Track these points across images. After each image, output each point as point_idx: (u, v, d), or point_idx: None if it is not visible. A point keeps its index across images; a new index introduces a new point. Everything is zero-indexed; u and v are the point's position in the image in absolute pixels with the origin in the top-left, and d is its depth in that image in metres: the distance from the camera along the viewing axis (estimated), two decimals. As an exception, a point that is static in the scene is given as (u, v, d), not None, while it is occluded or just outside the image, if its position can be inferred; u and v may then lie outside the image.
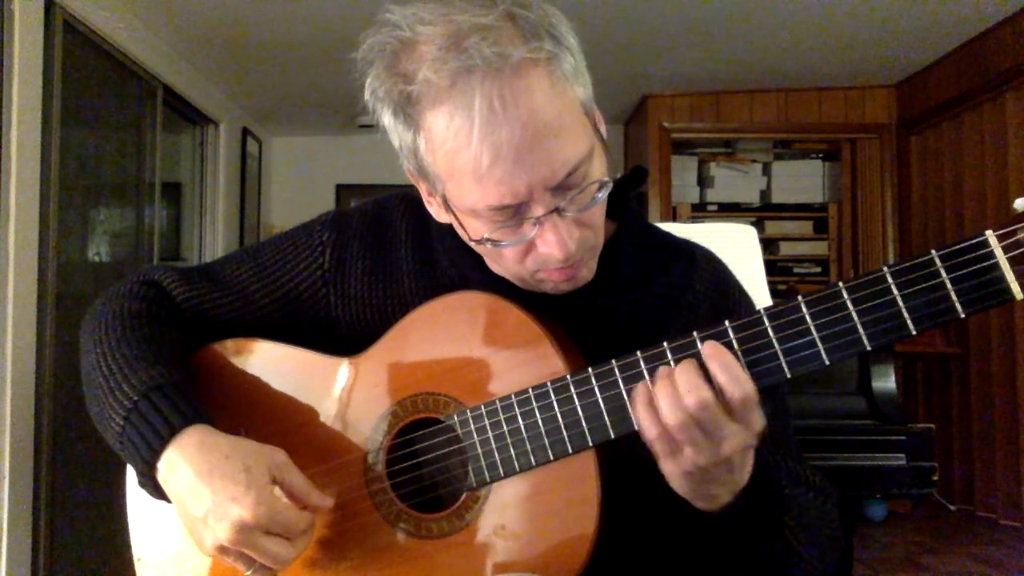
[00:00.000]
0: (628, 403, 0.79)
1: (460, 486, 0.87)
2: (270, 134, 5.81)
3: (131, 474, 1.00)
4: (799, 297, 0.74)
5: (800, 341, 0.74)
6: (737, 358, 0.75)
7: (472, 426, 0.85)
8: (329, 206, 5.45)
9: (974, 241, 0.69)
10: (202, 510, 0.81)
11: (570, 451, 0.81)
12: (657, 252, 0.97)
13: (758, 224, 5.08)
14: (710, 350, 0.76)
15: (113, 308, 0.97)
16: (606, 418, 0.80)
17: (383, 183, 5.41)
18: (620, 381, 0.79)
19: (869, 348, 0.72)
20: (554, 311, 0.89)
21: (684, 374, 0.75)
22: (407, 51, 0.79)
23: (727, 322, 0.76)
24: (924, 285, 0.70)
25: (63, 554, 2.87)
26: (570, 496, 0.82)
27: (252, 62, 4.33)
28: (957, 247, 0.69)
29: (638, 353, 0.79)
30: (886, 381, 1.91)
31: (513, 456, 0.83)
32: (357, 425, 0.92)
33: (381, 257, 0.98)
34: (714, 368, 0.75)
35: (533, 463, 0.83)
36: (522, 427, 0.83)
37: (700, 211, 5.28)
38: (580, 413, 0.81)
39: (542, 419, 0.82)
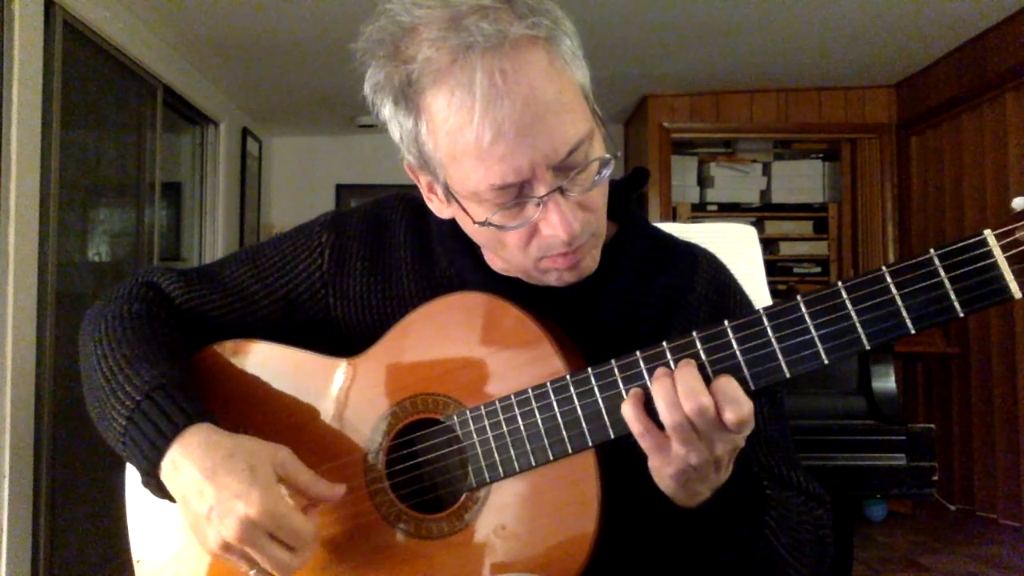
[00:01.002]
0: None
1: (460, 486, 0.87)
2: (270, 134, 5.80)
3: (131, 475, 1.00)
4: (798, 297, 0.74)
5: (799, 340, 0.74)
6: (736, 358, 0.75)
7: (472, 426, 0.85)
8: (329, 206, 5.46)
9: (973, 240, 0.69)
10: (206, 507, 0.81)
11: (570, 451, 0.81)
12: (658, 253, 0.97)
13: (758, 224, 5.08)
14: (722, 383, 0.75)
15: (112, 309, 0.97)
16: (606, 418, 0.80)
17: (383, 183, 5.41)
18: (620, 381, 0.79)
19: (868, 347, 0.72)
20: (554, 312, 0.89)
21: (684, 377, 0.75)
22: (407, 36, 0.80)
23: (726, 322, 0.76)
24: (923, 284, 0.70)
25: (63, 554, 2.87)
26: (570, 496, 0.82)
27: (252, 62, 4.33)
28: (956, 246, 0.69)
29: (637, 353, 0.79)
30: (886, 381, 1.91)
31: (513, 456, 0.83)
32: (357, 426, 0.92)
33: (380, 258, 0.98)
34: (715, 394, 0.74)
35: (533, 463, 0.83)
36: (522, 427, 0.83)
37: (700, 211, 5.27)
38: (580, 413, 0.81)
39: (541, 419, 0.82)
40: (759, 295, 1.91)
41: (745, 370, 0.75)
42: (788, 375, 0.75)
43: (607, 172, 0.83)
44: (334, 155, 5.87)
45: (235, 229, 5.04)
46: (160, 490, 0.87)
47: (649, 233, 1.00)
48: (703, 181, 5.38)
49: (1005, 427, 3.92)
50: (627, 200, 0.98)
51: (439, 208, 0.91)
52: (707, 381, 0.75)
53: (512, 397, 0.83)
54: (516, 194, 0.80)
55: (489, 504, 0.85)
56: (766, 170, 5.38)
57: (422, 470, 0.91)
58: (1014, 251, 0.67)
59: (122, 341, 0.93)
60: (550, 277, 0.87)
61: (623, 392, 0.79)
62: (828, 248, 5.27)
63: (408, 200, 1.01)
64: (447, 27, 0.77)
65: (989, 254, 0.68)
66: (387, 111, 0.84)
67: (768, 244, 5.13)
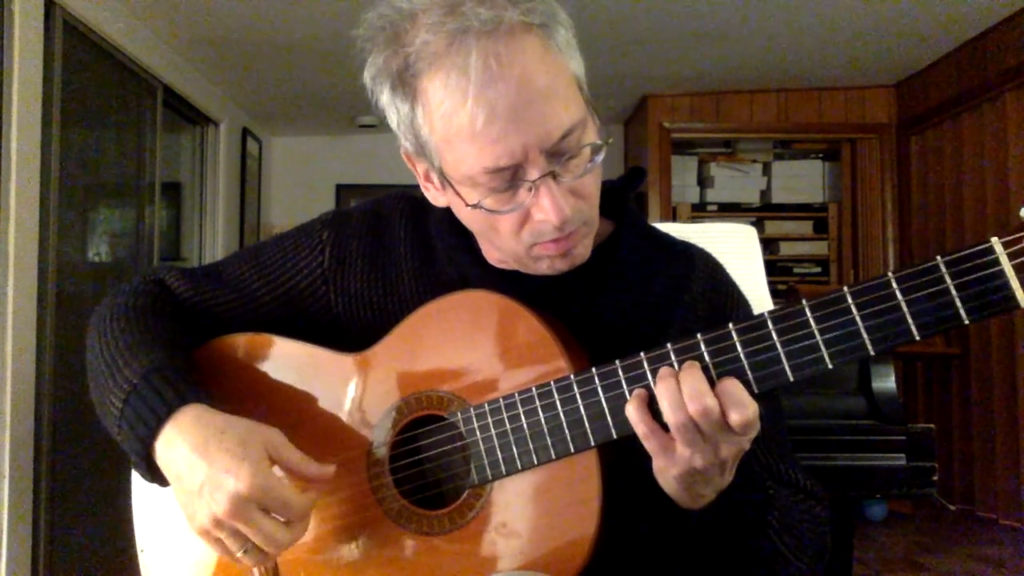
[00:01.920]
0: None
1: (462, 483, 0.88)
2: (270, 134, 5.81)
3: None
4: (803, 301, 0.74)
5: (803, 345, 0.73)
6: (740, 361, 0.75)
7: (475, 424, 0.86)
8: (329, 206, 5.46)
9: (979, 248, 0.68)
10: (197, 483, 0.81)
11: (572, 451, 0.81)
12: (655, 252, 0.98)
13: (758, 224, 5.09)
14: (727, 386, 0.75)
15: (118, 302, 0.99)
16: (609, 418, 0.80)
17: (383, 183, 5.41)
18: (623, 382, 0.79)
19: (873, 354, 0.72)
20: (553, 311, 0.89)
21: (689, 378, 0.75)
22: (406, 22, 0.81)
23: (731, 324, 0.76)
24: (929, 291, 0.69)
25: (63, 554, 2.87)
26: (571, 496, 0.82)
27: (252, 62, 4.33)
28: (962, 254, 0.68)
29: (642, 354, 0.79)
30: (886, 381, 1.91)
31: (515, 455, 0.83)
32: (361, 421, 0.92)
33: (380, 256, 0.99)
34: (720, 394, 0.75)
35: (535, 462, 0.83)
36: (525, 426, 0.83)
37: (700, 211, 5.28)
38: (583, 413, 0.81)
39: (545, 418, 0.82)
40: (759, 295, 1.90)
41: (749, 373, 0.75)
42: (792, 379, 0.74)
43: (599, 158, 0.84)
44: (334, 155, 5.87)
45: (235, 229, 5.04)
46: (152, 473, 0.87)
47: (646, 232, 1.01)
48: (703, 181, 5.38)
49: (1005, 427, 3.92)
50: (624, 199, 0.98)
51: (435, 196, 0.92)
52: (711, 383, 0.75)
53: (516, 395, 0.84)
54: (509, 178, 0.81)
55: (491, 502, 0.85)
56: (766, 170, 5.38)
57: (425, 466, 0.91)
58: (1021, 259, 0.67)
59: (124, 331, 0.94)
60: (542, 265, 0.88)
61: (627, 393, 0.79)
62: (828, 248, 5.27)
63: (408, 199, 1.02)
64: (445, 12, 0.78)
65: (996, 262, 0.67)
66: (385, 97, 0.85)
67: (768, 244, 5.13)
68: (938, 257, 0.69)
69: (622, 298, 0.93)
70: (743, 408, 0.73)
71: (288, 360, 0.98)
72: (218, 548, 0.83)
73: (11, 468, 2.60)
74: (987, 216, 4.03)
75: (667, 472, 0.78)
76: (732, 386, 0.74)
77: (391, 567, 0.89)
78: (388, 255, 0.99)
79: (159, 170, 3.87)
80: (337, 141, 5.86)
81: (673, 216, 5.12)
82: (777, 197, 5.31)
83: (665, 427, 0.76)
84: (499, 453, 0.84)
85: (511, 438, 0.84)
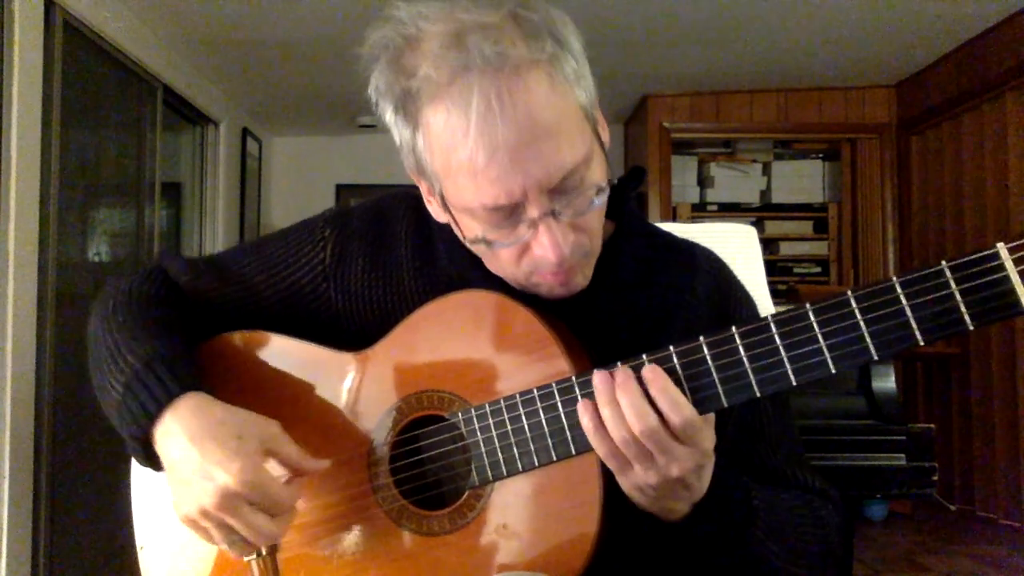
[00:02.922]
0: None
1: (463, 484, 0.87)
2: (270, 134, 5.80)
3: (134, 463, 1.01)
4: (807, 305, 0.73)
5: (807, 349, 0.73)
6: (743, 364, 0.75)
7: (476, 424, 0.85)
8: (329, 206, 5.42)
9: (985, 254, 0.68)
10: (188, 472, 0.81)
11: (573, 452, 0.81)
12: (657, 252, 0.98)
13: (758, 224, 5.09)
14: (650, 374, 0.76)
15: (121, 289, 0.99)
16: None
17: (383, 183, 5.41)
18: None
19: (877, 358, 0.72)
20: (554, 311, 0.89)
21: (627, 397, 0.75)
22: (410, 48, 0.80)
23: (734, 328, 0.76)
24: (933, 296, 0.69)
25: (63, 554, 2.87)
26: (572, 497, 0.82)
27: (252, 62, 4.33)
28: (967, 259, 0.68)
29: (644, 356, 0.79)
30: (886, 381, 1.91)
31: (516, 456, 0.83)
32: (361, 420, 0.92)
33: (382, 254, 0.99)
34: (653, 393, 0.75)
35: (536, 463, 0.83)
36: (526, 427, 0.83)
37: (700, 211, 5.28)
38: None
39: (546, 419, 0.82)
40: (759, 295, 1.90)
41: (751, 376, 0.75)
42: (795, 383, 0.74)
43: (601, 200, 0.82)
44: (334, 155, 5.87)
45: (235, 229, 5.04)
46: (149, 459, 0.88)
47: (647, 231, 1.00)
48: (703, 181, 5.38)
49: (1005, 427, 3.92)
50: (624, 198, 0.98)
51: (437, 212, 0.92)
52: (652, 405, 0.75)
53: (517, 396, 0.83)
54: (509, 214, 0.80)
55: (491, 503, 0.85)
56: (766, 170, 5.38)
57: (425, 467, 0.91)
58: None
59: (127, 317, 0.94)
60: (541, 290, 0.88)
61: None
62: (828, 248, 5.27)
63: (411, 198, 1.01)
64: (449, 43, 0.77)
65: (1001, 268, 0.67)
66: (388, 117, 0.85)
67: (768, 244, 5.13)
68: (943, 262, 0.69)
69: (623, 298, 0.93)
70: (679, 409, 0.74)
71: (289, 358, 0.98)
72: (203, 536, 0.84)
73: (11, 468, 2.60)
74: (987, 216, 4.03)
75: (628, 489, 0.79)
76: (667, 388, 0.75)
77: (391, 567, 0.89)
78: (389, 254, 0.99)
79: (159, 170, 3.87)
80: (337, 141, 5.86)
81: (673, 216, 5.12)
82: (777, 197, 5.30)
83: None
84: (500, 454, 0.84)
85: (512, 439, 0.83)
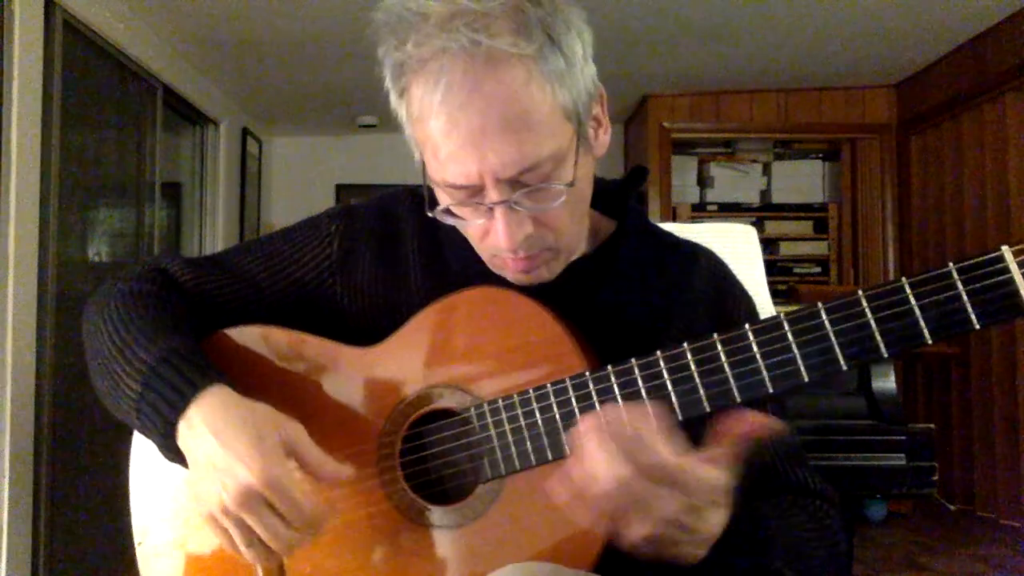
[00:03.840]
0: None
1: (474, 478, 0.88)
2: (270, 134, 5.81)
3: (134, 456, 1.01)
4: (819, 303, 0.75)
5: (819, 346, 0.75)
6: (756, 361, 0.76)
7: (489, 419, 0.86)
8: (329, 205, 5.44)
9: (990, 256, 0.70)
10: (211, 467, 0.80)
11: None
12: (657, 251, 0.98)
13: (758, 224, 5.08)
14: (608, 418, 0.71)
15: (121, 288, 0.97)
16: None
17: (383, 183, 5.40)
18: (639, 380, 0.80)
19: (886, 356, 0.74)
20: (555, 309, 0.89)
21: (598, 453, 0.70)
22: (406, 25, 0.82)
23: (747, 325, 0.77)
24: (941, 296, 0.72)
25: (63, 554, 2.87)
26: None
27: (252, 62, 4.33)
28: (974, 261, 0.71)
29: (658, 353, 0.79)
30: (886, 381, 1.91)
31: (529, 451, 0.84)
32: (372, 414, 0.92)
33: (388, 250, 0.99)
34: (619, 443, 0.70)
35: (549, 458, 0.83)
36: (539, 422, 0.83)
37: (700, 211, 5.28)
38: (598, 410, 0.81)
39: (560, 414, 0.82)
40: (759, 295, 1.90)
41: (764, 373, 0.76)
42: (807, 379, 0.76)
43: (559, 201, 0.82)
44: (334, 155, 5.87)
45: (235, 229, 5.04)
46: (173, 453, 0.86)
47: (648, 230, 1.00)
48: (703, 181, 5.38)
49: (1005, 427, 3.92)
50: (625, 197, 0.98)
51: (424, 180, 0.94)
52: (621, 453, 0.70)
53: (531, 391, 0.84)
54: (472, 195, 0.83)
55: (503, 496, 0.85)
56: (766, 170, 5.38)
57: (436, 461, 0.91)
58: None
59: (133, 315, 0.93)
60: (505, 274, 0.90)
61: (643, 391, 0.79)
62: (828, 248, 5.27)
63: (417, 194, 1.01)
64: (439, 24, 0.79)
65: (1006, 269, 0.70)
66: (388, 84, 0.87)
67: (768, 244, 5.13)
68: (950, 264, 0.71)
69: (622, 296, 0.93)
70: (648, 452, 0.69)
71: (298, 352, 0.97)
72: (224, 538, 0.82)
73: (11, 468, 2.60)
74: (987, 216, 4.03)
75: (629, 542, 0.73)
76: (625, 433, 0.70)
77: (400, 560, 0.89)
78: (396, 250, 0.99)
79: (159, 170, 3.87)
80: (337, 141, 5.86)
81: (673, 216, 5.12)
82: (777, 197, 5.30)
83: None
84: (512, 449, 0.84)
85: (525, 434, 0.84)
